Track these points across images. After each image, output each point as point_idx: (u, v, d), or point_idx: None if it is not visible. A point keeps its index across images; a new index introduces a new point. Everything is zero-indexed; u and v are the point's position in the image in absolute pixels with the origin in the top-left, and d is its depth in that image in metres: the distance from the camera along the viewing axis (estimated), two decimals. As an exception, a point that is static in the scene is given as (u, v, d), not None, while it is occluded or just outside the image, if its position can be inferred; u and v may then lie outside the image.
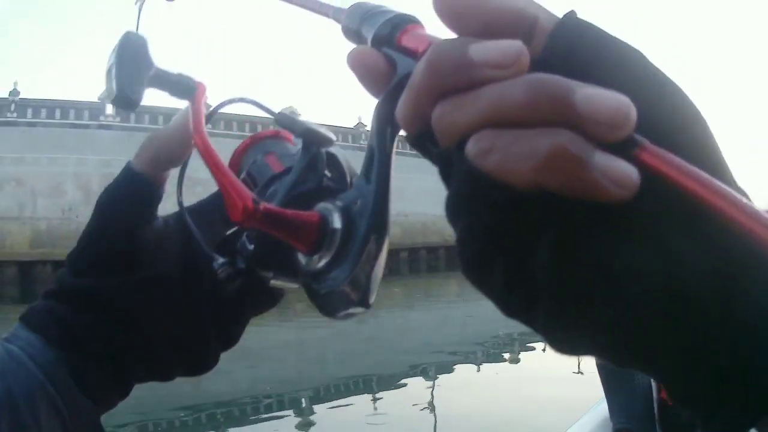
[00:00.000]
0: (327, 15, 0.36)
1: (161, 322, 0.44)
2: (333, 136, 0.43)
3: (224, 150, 0.41)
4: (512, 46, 0.22)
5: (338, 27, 0.34)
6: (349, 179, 0.43)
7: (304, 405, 5.98)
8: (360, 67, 0.28)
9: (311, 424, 5.44)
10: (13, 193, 17.88)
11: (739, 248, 0.21)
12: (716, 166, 0.22)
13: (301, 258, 0.35)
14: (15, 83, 20.12)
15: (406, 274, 19.70)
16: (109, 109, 18.83)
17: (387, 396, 6.28)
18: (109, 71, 0.43)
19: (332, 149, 0.43)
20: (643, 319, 0.21)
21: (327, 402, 6.10)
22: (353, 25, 0.33)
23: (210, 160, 0.36)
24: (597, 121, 0.20)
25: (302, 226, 0.34)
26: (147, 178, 0.45)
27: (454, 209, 0.24)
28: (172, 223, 0.47)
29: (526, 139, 0.21)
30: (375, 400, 6.07)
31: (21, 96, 19.14)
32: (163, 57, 0.43)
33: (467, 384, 6.75)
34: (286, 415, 5.69)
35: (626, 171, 0.20)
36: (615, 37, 0.24)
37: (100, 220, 0.45)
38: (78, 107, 19.52)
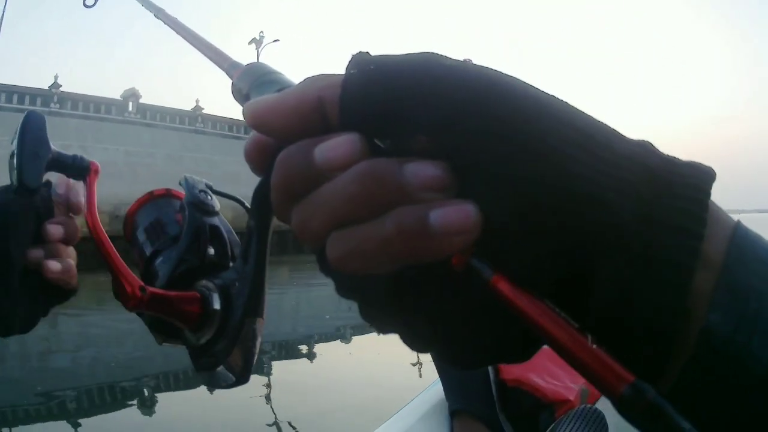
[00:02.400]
0: (222, 67, 0.36)
1: None
2: (217, 206, 0.46)
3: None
4: (343, 142, 0.23)
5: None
6: (230, 251, 0.45)
7: (146, 394, 5.85)
8: (245, 149, 0.28)
9: (152, 413, 5.32)
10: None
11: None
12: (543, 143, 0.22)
13: (187, 332, 0.39)
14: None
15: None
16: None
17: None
18: (11, 159, 0.46)
19: (215, 220, 0.45)
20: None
21: (170, 391, 5.98)
22: (243, 87, 0.33)
23: (101, 243, 0.40)
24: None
25: (185, 308, 0.37)
26: None
27: (343, 295, 0.26)
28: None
29: (368, 234, 0.22)
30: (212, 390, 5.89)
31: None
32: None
33: (302, 372, 6.73)
34: (131, 404, 5.57)
35: (462, 218, 0.22)
36: (404, 60, 0.24)
37: None
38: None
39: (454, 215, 0.22)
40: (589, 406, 1.50)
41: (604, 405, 1.60)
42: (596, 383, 0.21)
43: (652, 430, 0.20)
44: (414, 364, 6.08)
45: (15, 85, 19.85)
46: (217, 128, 25.98)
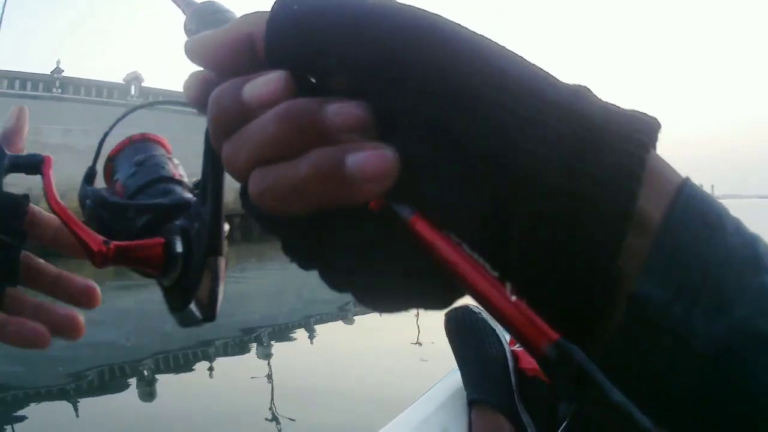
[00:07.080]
0: (179, 5, 0.35)
1: None
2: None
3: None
4: (270, 80, 0.23)
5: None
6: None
7: (146, 374, 5.85)
8: (185, 84, 0.28)
9: (152, 394, 5.35)
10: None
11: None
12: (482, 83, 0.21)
13: (157, 278, 0.39)
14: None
15: (239, 241, 19.04)
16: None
17: (223, 363, 6.25)
18: None
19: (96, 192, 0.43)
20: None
21: (168, 372, 6.03)
22: (193, 27, 0.32)
23: (63, 214, 0.39)
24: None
25: (150, 254, 0.37)
26: None
27: (264, 230, 0.26)
28: None
29: (285, 173, 0.22)
30: (211, 369, 6.02)
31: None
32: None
33: (303, 353, 6.72)
34: (130, 384, 5.60)
35: (380, 164, 0.21)
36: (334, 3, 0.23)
37: None
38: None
39: (372, 160, 0.21)
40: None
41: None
42: (520, 339, 0.19)
43: (577, 399, 0.18)
44: (414, 344, 6.10)
45: (17, 71, 20.03)
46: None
